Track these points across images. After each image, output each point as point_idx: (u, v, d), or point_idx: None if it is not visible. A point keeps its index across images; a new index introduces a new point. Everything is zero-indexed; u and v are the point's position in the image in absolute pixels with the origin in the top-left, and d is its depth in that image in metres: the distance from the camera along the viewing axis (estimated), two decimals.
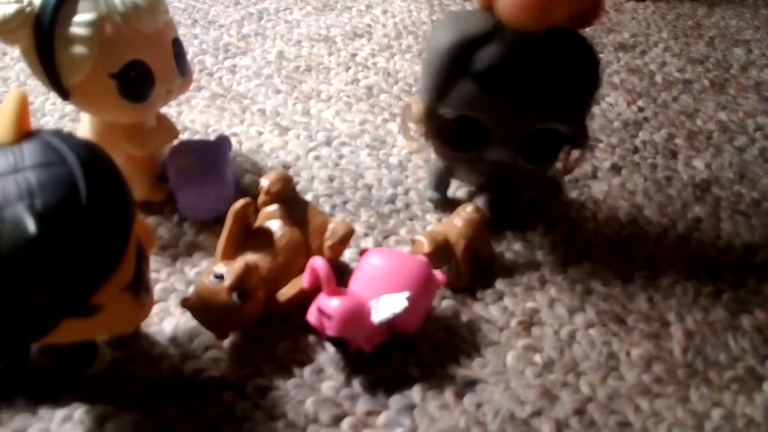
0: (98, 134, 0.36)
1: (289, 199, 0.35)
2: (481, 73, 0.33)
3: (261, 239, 0.33)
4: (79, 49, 0.31)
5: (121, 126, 0.36)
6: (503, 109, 0.34)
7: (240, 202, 0.33)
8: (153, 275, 0.35)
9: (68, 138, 0.23)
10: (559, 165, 0.37)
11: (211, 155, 0.38)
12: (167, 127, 0.38)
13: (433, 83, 0.34)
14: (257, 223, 0.35)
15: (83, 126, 0.37)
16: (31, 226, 0.20)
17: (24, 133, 0.23)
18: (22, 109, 0.23)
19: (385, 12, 0.65)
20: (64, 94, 0.33)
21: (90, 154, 0.23)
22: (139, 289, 0.25)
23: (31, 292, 0.22)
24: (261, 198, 0.35)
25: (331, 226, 0.35)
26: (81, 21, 0.31)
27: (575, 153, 0.37)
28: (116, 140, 0.35)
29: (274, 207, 0.35)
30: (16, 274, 0.21)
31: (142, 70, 0.33)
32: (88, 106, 0.35)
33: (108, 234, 0.23)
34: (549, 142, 0.35)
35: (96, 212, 0.22)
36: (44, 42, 0.31)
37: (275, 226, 0.34)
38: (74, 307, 0.23)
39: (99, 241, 0.22)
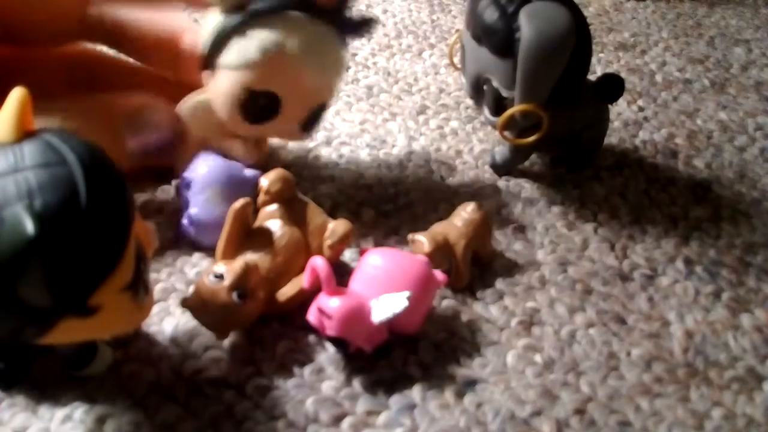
0: (205, 109, 0.37)
1: (289, 199, 0.35)
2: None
3: (261, 239, 0.33)
4: (241, 56, 0.34)
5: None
6: (471, 43, 0.39)
7: (240, 202, 0.33)
8: (153, 275, 0.34)
9: (68, 138, 0.23)
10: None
11: (238, 191, 0.36)
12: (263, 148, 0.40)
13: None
14: (257, 223, 0.35)
15: (191, 102, 0.38)
16: (29, 226, 0.20)
17: (25, 132, 0.23)
18: (24, 108, 0.23)
19: (385, 12, 0.65)
20: (207, 63, 0.35)
21: (90, 155, 0.23)
22: (139, 290, 0.25)
23: (30, 292, 0.21)
24: (261, 197, 0.35)
25: (330, 225, 0.35)
26: (260, 39, 0.33)
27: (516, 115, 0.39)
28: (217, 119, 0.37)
29: (273, 206, 0.35)
30: (15, 274, 0.21)
31: (272, 103, 0.35)
32: (213, 88, 0.36)
33: (107, 234, 0.23)
34: (498, 100, 0.40)
35: (95, 213, 0.22)
36: (249, 19, 0.34)
37: (275, 225, 0.34)
38: (73, 308, 0.23)
39: (98, 241, 0.22)
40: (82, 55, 0.39)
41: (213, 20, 0.35)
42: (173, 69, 0.40)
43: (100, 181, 0.23)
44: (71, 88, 0.39)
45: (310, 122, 0.37)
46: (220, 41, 0.34)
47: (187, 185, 0.36)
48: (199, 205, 0.36)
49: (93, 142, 0.24)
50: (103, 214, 0.22)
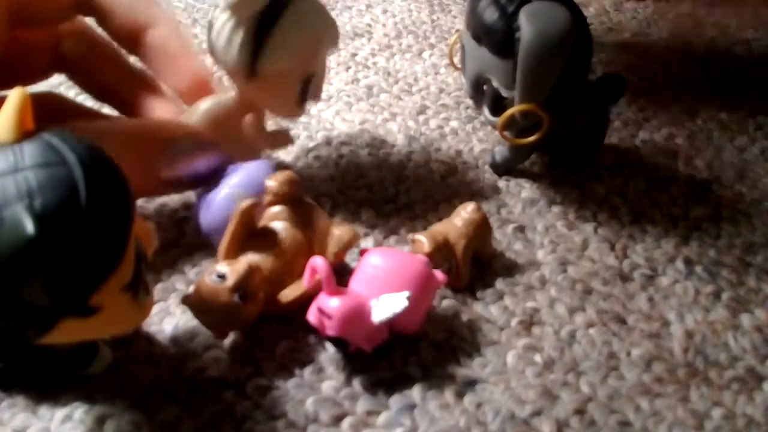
0: (222, 116, 0.38)
1: (295, 201, 0.35)
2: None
3: (264, 240, 0.33)
4: (296, 43, 0.35)
5: (252, 118, 0.38)
6: (471, 43, 0.39)
7: (246, 202, 0.33)
8: (153, 275, 0.35)
9: (68, 138, 0.23)
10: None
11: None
12: (286, 135, 0.41)
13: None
14: (261, 223, 0.35)
15: (208, 109, 0.38)
16: (29, 226, 0.20)
17: (25, 132, 0.23)
18: (24, 108, 0.23)
19: (385, 12, 0.65)
20: (252, 73, 0.35)
21: (90, 155, 0.23)
22: (139, 290, 0.25)
23: (30, 292, 0.21)
24: (266, 198, 0.35)
25: (336, 232, 0.35)
26: (295, 24, 0.35)
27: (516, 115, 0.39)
28: (238, 128, 0.38)
29: (279, 208, 0.35)
30: (15, 274, 0.21)
31: (311, 80, 0.37)
32: (265, 91, 0.37)
33: (107, 234, 0.23)
34: (498, 100, 0.40)
35: (95, 213, 0.22)
36: (268, 21, 0.34)
37: (279, 227, 0.34)
38: (73, 308, 0.23)
39: (98, 241, 0.22)
40: (68, 33, 0.39)
41: (230, 27, 0.35)
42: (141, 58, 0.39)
43: (100, 180, 0.23)
44: (52, 68, 0.39)
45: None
46: (256, 47, 0.35)
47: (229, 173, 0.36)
48: (223, 196, 0.35)
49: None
50: (104, 214, 0.22)
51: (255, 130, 0.38)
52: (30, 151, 0.22)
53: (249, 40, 0.35)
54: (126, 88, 0.40)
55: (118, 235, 0.23)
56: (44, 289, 0.22)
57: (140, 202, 0.39)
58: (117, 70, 0.40)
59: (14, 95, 0.23)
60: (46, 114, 0.32)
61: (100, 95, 0.41)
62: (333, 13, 0.63)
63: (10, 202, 0.21)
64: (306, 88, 0.37)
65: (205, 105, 0.37)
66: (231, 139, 0.38)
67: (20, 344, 0.28)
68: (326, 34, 0.37)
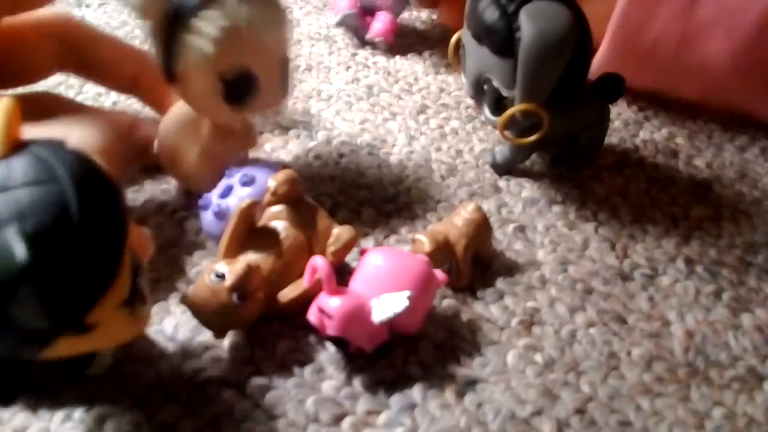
0: (186, 121, 0.37)
1: (296, 201, 0.35)
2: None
3: (264, 239, 0.33)
4: (201, 44, 0.32)
5: (211, 122, 0.37)
6: (471, 43, 0.39)
7: (246, 201, 0.33)
8: (153, 274, 0.34)
9: (59, 151, 0.22)
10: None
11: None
12: (250, 135, 0.39)
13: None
14: (261, 223, 0.35)
15: (176, 112, 0.38)
16: (21, 251, 0.20)
17: (13, 145, 0.22)
18: (12, 120, 0.22)
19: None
20: (171, 77, 0.34)
21: (81, 168, 0.22)
22: (135, 304, 0.24)
23: (24, 315, 0.21)
24: (267, 198, 0.35)
25: (335, 231, 0.34)
26: (213, 20, 0.32)
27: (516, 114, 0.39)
28: (199, 132, 0.37)
29: (279, 207, 0.35)
30: (9, 298, 0.21)
31: (249, 79, 0.34)
32: (188, 96, 0.35)
33: (101, 252, 0.22)
34: (499, 99, 0.40)
35: (88, 231, 0.22)
36: (171, 25, 0.32)
37: (280, 226, 0.34)
38: (69, 327, 0.22)
39: (92, 259, 0.22)
40: (70, 30, 0.39)
41: (146, 31, 0.34)
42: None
43: (92, 196, 0.22)
44: (60, 66, 0.39)
45: (283, 80, 0.37)
46: (169, 47, 0.33)
47: (245, 182, 0.36)
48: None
49: (89, 153, 0.24)
50: (96, 232, 0.22)
51: (210, 134, 0.36)
52: (19, 167, 0.21)
53: (160, 42, 0.33)
54: (146, 77, 0.40)
55: (112, 251, 0.23)
56: (40, 311, 0.21)
57: (140, 201, 0.39)
58: (128, 60, 0.40)
59: (1, 107, 0.22)
60: (42, 113, 0.32)
61: (120, 88, 0.41)
62: (333, 13, 0.63)
63: (1, 224, 0.20)
64: (236, 88, 0.34)
65: (176, 110, 0.37)
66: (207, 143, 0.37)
67: (17, 363, 0.27)
68: (252, 21, 0.33)
